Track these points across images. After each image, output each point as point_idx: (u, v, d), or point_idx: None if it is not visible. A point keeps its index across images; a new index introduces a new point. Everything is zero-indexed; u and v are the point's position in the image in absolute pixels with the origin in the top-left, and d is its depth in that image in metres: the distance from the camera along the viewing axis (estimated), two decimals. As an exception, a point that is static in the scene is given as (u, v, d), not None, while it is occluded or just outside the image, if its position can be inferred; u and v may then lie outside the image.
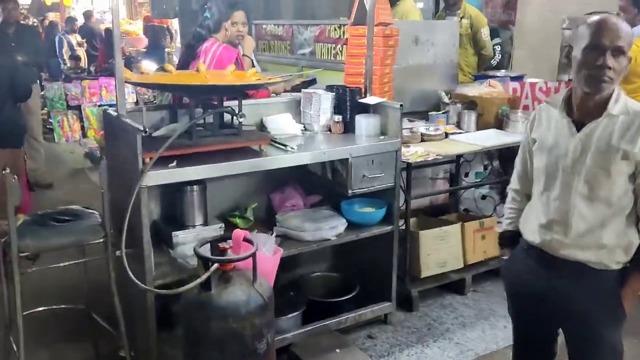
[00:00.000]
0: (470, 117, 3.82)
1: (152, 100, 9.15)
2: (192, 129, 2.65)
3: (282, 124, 3.16)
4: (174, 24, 11.11)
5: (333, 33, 4.24)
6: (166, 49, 10.98)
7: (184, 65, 3.44)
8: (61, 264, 2.45)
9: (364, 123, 3.14)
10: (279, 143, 2.87)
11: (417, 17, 4.90)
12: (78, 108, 8.47)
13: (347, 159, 2.90)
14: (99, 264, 2.58)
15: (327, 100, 3.22)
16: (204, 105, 2.80)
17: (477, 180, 4.24)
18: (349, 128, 3.22)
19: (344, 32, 4.14)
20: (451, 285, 3.61)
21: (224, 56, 3.35)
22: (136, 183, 2.37)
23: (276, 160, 2.73)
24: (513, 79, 4.33)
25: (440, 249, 3.47)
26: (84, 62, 10.46)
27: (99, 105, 8.61)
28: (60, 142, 8.22)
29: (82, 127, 8.52)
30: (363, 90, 3.26)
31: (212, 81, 2.84)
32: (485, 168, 4.33)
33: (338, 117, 3.20)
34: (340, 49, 4.18)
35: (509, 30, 5.93)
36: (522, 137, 2.19)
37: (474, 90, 4.11)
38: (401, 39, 3.70)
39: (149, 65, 9.53)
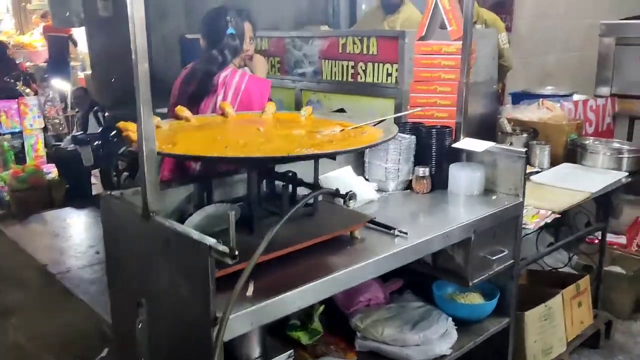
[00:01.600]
0: (544, 151, 3.03)
1: (60, 122, 7.72)
2: (254, 219, 1.64)
3: (351, 186, 2.18)
4: (77, 33, 9.60)
5: (351, 47, 3.30)
6: (71, 64, 9.44)
7: (190, 101, 2.33)
8: None
9: (465, 178, 2.24)
10: (377, 224, 1.90)
11: (422, 24, 4.08)
12: (-30, 139, 6.93)
13: (470, 238, 2.00)
14: None
15: (409, 147, 2.30)
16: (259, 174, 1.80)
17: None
18: (436, 184, 2.33)
19: (368, 47, 3.22)
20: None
21: (252, 90, 2.32)
22: (206, 334, 1.33)
23: (392, 258, 1.76)
24: (561, 97, 3.63)
25: (546, 332, 2.65)
26: (-31, 81, 8.73)
27: (-2, 135, 7.11)
28: (-50, 182, 6.62)
29: (-24, 163, 6.99)
30: (453, 129, 2.37)
31: (269, 136, 1.84)
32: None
33: (423, 170, 2.29)
34: (363, 67, 3.25)
35: (504, 37, 5.26)
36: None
37: (527, 113, 3.34)
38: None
39: (58, 84, 8.10)
